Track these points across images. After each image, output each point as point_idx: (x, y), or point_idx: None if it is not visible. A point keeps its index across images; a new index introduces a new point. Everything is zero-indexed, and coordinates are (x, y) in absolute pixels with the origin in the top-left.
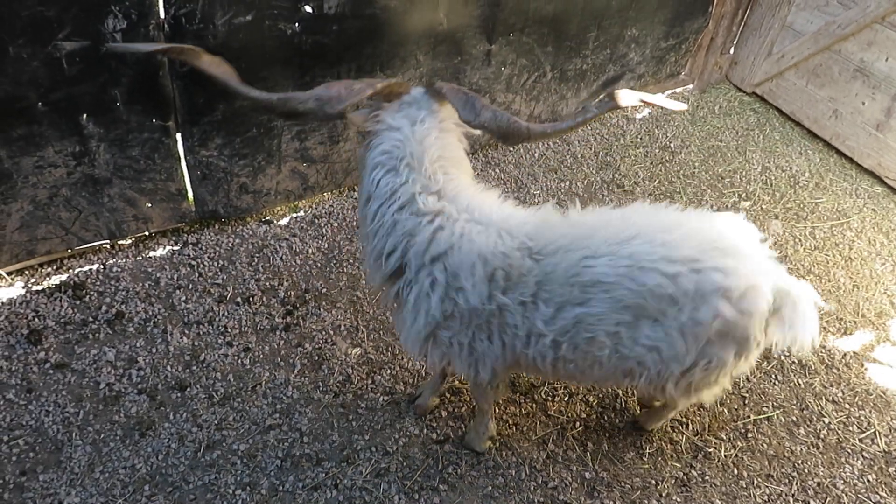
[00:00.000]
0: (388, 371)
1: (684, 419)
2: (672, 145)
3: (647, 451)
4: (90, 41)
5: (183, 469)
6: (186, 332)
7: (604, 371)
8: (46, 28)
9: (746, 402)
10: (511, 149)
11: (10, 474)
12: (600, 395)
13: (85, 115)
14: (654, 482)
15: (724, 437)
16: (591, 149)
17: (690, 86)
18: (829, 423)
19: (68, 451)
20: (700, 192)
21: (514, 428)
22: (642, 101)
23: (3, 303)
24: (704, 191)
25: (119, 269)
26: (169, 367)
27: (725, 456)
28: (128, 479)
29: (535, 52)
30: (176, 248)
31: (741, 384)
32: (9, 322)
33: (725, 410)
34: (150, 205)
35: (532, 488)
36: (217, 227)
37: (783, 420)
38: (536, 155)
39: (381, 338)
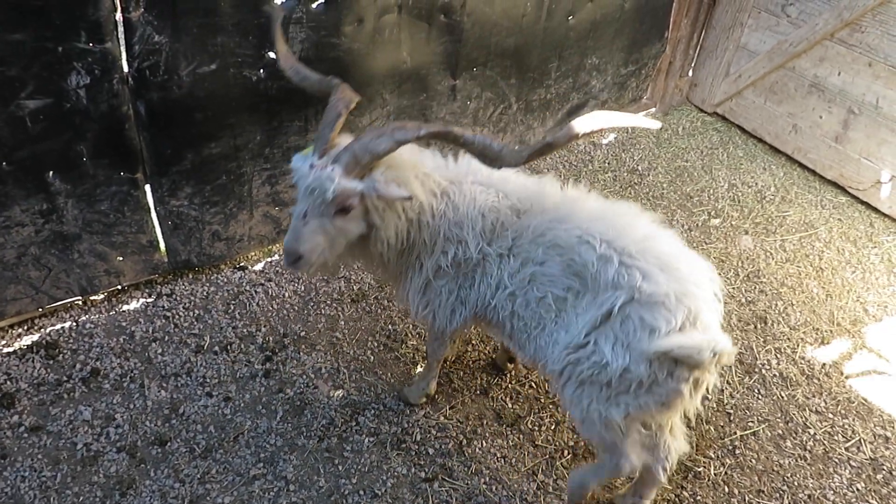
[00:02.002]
0: (372, 411)
1: None
2: (640, 168)
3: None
4: (53, 98)
5: None
6: (164, 384)
7: (545, 337)
8: (8, 87)
9: (732, 418)
10: None
11: None
12: None
13: (51, 172)
14: None
15: (713, 455)
16: (560, 175)
17: (653, 109)
18: (815, 433)
19: None
20: (670, 212)
21: (502, 461)
22: (615, 123)
23: None
24: (674, 210)
25: (92, 326)
26: (148, 423)
27: (715, 474)
28: None
29: (499, 84)
30: (150, 300)
31: (725, 401)
32: None
33: (712, 428)
34: (121, 258)
35: None
36: (191, 276)
37: (769, 434)
38: None
39: (363, 378)
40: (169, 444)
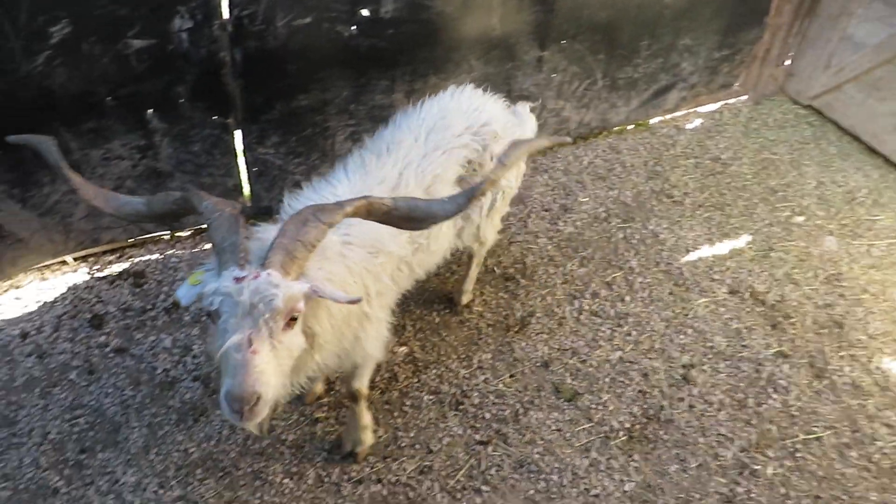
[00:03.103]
0: (434, 370)
1: (731, 434)
2: (724, 157)
3: (692, 464)
4: (157, 39)
5: (234, 455)
6: None
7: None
8: (117, 26)
9: (796, 420)
10: (559, 155)
11: (70, 451)
12: (645, 406)
13: (150, 111)
14: (697, 496)
15: (772, 455)
16: (640, 158)
17: (744, 97)
18: (883, 447)
19: (125, 433)
20: (751, 206)
21: (556, 434)
22: (527, 151)
23: (68, 288)
24: (756, 204)
25: (177, 260)
26: None
27: (773, 474)
28: (181, 461)
29: (586, 59)
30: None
31: (790, 402)
32: (73, 306)
33: (774, 428)
34: (190, 187)
35: (574, 495)
36: (270, 222)
37: (834, 441)
38: (585, 162)
39: (428, 338)
40: None
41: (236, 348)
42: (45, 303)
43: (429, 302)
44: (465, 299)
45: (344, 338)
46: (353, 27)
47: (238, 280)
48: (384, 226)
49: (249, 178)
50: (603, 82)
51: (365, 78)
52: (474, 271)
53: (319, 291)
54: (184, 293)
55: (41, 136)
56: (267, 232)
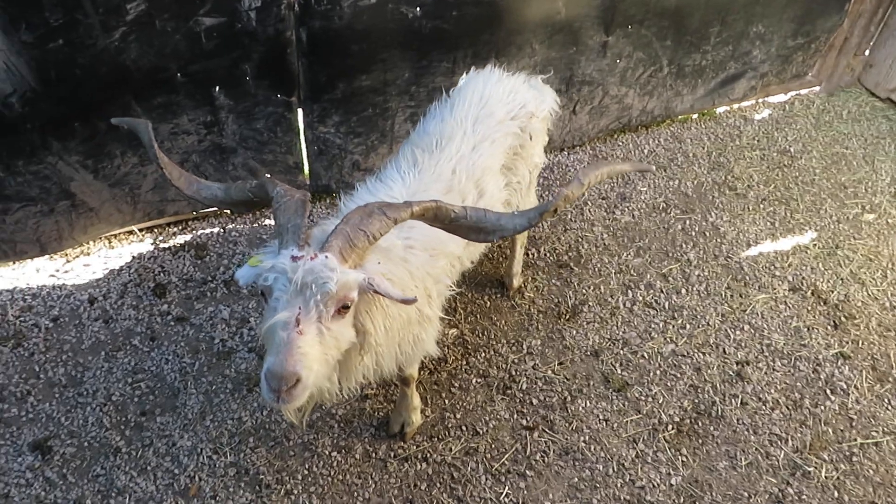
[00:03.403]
0: (483, 354)
1: (784, 434)
2: (792, 149)
3: (742, 461)
4: (227, 18)
5: (284, 427)
6: None
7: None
8: (189, 4)
9: (854, 424)
10: (619, 142)
11: (132, 413)
12: (696, 401)
13: (217, 88)
14: (746, 495)
15: (826, 458)
16: (703, 148)
17: (817, 88)
18: None
19: (183, 398)
20: (819, 201)
21: (604, 423)
22: (607, 174)
23: (134, 257)
24: (824, 199)
25: (237, 234)
26: None
27: (826, 477)
28: (234, 429)
29: (653, 45)
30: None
31: (849, 405)
32: (138, 275)
33: (830, 430)
34: (268, 175)
35: (619, 485)
36: (328, 201)
37: (893, 447)
38: (646, 151)
39: (478, 321)
40: None
41: (283, 326)
42: (112, 270)
43: (481, 286)
44: (515, 283)
45: (404, 342)
46: (418, 8)
47: (295, 259)
48: None
49: (309, 157)
50: (668, 69)
51: (426, 60)
52: (519, 253)
53: (375, 285)
54: (243, 273)
55: (138, 119)
56: (331, 223)
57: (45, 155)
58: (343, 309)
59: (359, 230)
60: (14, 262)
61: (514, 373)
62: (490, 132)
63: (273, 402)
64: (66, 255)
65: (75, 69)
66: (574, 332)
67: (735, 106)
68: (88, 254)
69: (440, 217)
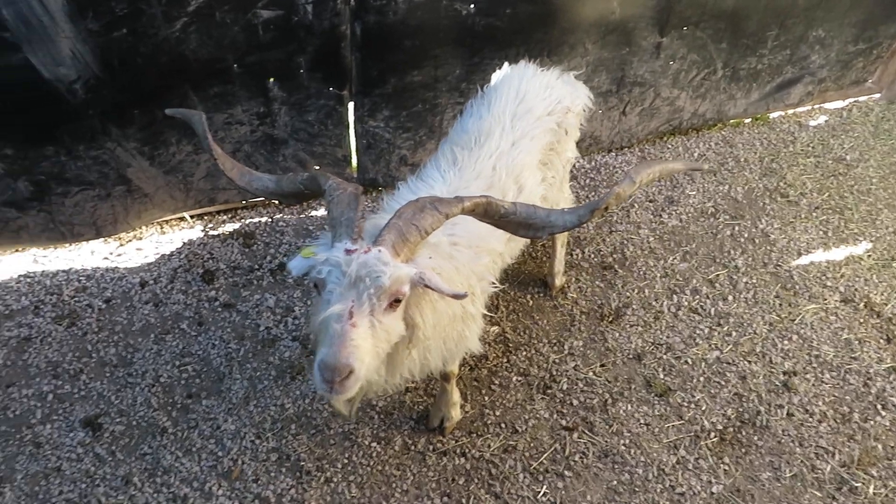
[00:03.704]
0: (524, 353)
1: (831, 448)
2: (848, 157)
3: (787, 473)
4: (284, 11)
5: (326, 415)
6: None
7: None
8: None
9: None
10: (669, 145)
11: (178, 395)
12: (740, 409)
13: (272, 79)
14: None
15: (875, 474)
16: (755, 153)
17: (877, 95)
18: None
19: (228, 383)
20: (875, 211)
21: (644, 428)
22: (660, 173)
23: (184, 242)
24: (881, 210)
25: (284, 224)
26: None
27: (874, 494)
28: (277, 416)
29: (707, 47)
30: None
31: None
32: (188, 260)
33: (879, 446)
34: (317, 167)
35: (658, 490)
36: (374, 194)
37: None
38: (696, 154)
39: (520, 320)
40: None
41: (336, 318)
42: (163, 255)
43: (523, 284)
44: (558, 282)
45: (448, 338)
46: (472, 5)
47: (349, 252)
48: (484, 224)
49: (357, 150)
50: (723, 72)
51: (478, 57)
52: (561, 252)
53: (426, 279)
54: (296, 264)
55: (192, 110)
56: (381, 217)
57: (105, 141)
58: (395, 303)
59: (411, 225)
60: (70, 244)
61: (554, 373)
62: (529, 128)
63: (326, 392)
64: (120, 238)
65: (137, 58)
66: (617, 334)
67: (790, 111)
68: (141, 238)
69: (490, 212)
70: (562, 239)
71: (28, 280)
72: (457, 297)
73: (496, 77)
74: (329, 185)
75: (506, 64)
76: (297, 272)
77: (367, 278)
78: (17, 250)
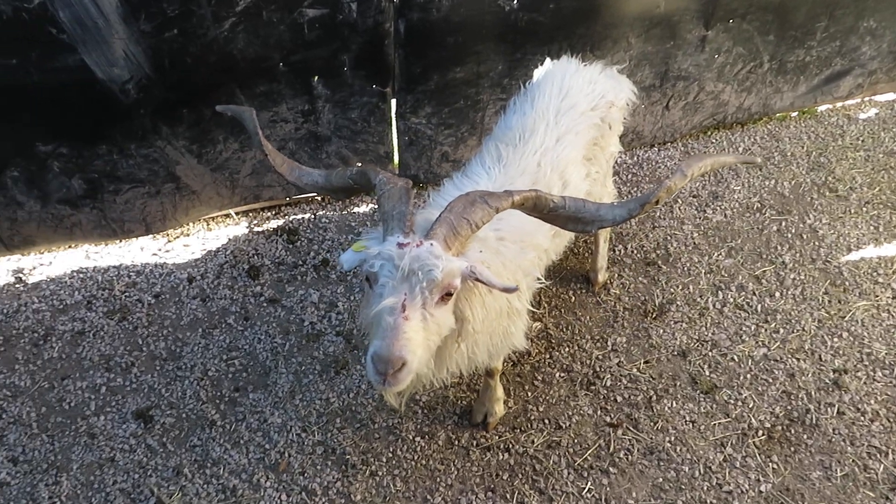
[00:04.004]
0: (567, 349)
1: (884, 447)
2: None
3: (838, 473)
4: (329, 9)
5: (370, 409)
6: None
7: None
8: None
9: None
10: (713, 139)
11: (226, 389)
12: (789, 407)
13: (316, 77)
14: None
15: None
16: (802, 147)
17: None
18: None
19: (274, 377)
20: None
21: (690, 425)
22: (711, 166)
23: (230, 239)
24: None
25: (327, 221)
26: None
27: None
28: (322, 409)
29: (754, 40)
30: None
31: None
32: (234, 257)
33: None
34: (360, 164)
35: (705, 488)
36: (416, 191)
37: None
38: (741, 149)
39: (563, 315)
40: None
41: (389, 311)
42: (210, 251)
43: (566, 280)
44: (600, 278)
45: (495, 333)
46: (515, 1)
47: (401, 246)
48: (529, 218)
49: (400, 147)
50: (769, 65)
51: (521, 52)
52: (604, 248)
53: (477, 273)
54: (347, 258)
55: (243, 107)
56: (432, 211)
57: (155, 139)
58: (446, 296)
59: (462, 218)
60: (121, 240)
61: (598, 369)
62: (573, 124)
63: (379, 384)
64: (168, 235)
65: (186, 58)
66: (661, 331)
67: (839, 104)
68: (188, 234)
69: (539, 206)
70: (605, 234)
71: (81, 276)
72: (507, 290)
73: (539, 73)
74: (380, 180)
75: (548, 59)
76: (349, 266)
77: (420, 272)
78: (70, 246)
